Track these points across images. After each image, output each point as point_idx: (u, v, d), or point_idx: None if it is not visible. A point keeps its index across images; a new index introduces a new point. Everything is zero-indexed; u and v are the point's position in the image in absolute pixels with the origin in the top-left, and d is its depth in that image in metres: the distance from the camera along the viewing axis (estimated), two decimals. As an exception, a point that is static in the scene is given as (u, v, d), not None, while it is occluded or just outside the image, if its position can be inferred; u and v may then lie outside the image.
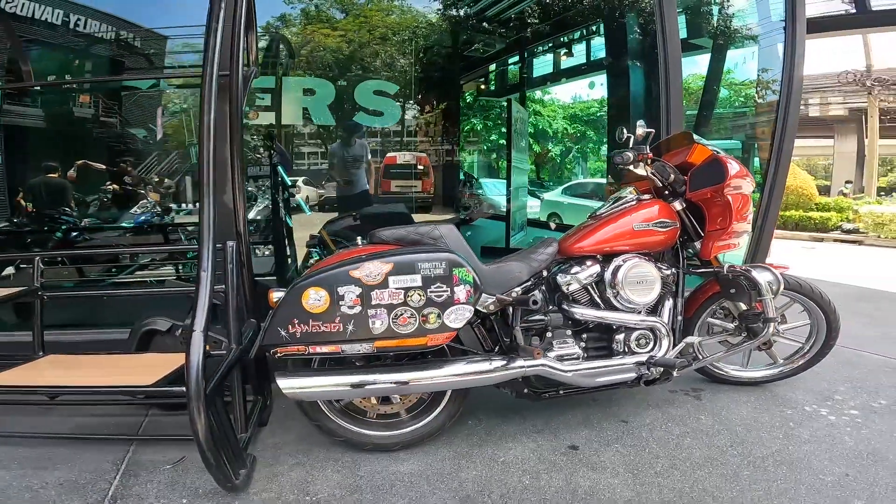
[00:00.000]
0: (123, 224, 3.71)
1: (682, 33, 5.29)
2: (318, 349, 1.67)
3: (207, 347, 1.61)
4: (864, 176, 12.03)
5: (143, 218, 3.54)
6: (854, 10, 6.88)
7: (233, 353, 1.89)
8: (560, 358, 1.99)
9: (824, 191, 13.63)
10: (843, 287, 5.11)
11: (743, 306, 2.31)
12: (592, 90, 7.39)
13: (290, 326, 1.63)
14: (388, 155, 6.55)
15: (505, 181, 10.26)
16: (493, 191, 8.77)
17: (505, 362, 1.88)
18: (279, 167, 3.36)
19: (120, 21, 4.08)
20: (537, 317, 2.03)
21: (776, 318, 2.16)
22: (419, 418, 2.01)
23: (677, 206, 2.23)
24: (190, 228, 3.69)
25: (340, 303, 1.63)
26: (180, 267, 3.47)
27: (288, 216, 3.29)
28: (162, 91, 4.92)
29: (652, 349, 2.11)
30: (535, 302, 1.68)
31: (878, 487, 1.76)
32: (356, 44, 5.91)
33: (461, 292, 1.69)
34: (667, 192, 2.25)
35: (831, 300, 2.41)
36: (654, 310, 2.17)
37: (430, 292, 1.67)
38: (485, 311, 1.93)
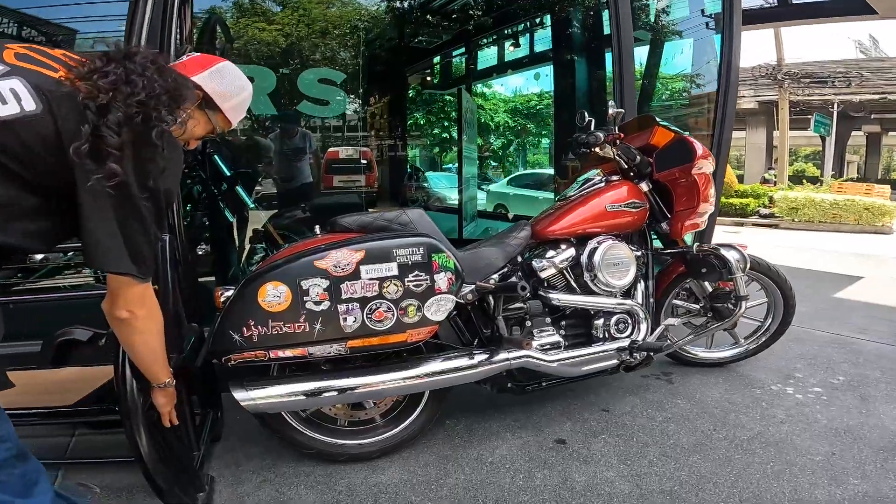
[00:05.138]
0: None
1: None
2: (281, 353, 1.40)
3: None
4: (776, 166, 13.04)
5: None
6: (775, 3, 7.26)
7: (173, 363, 1.57)
8: (542, 348, 1.83)
9: (739, 180, 14.61)
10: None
11: (709, 287, 2.28)
12: (538, 81, 7.32)
13: (244, 329, 1.35)
14: (330, 150, 6.23)
15: (451, 174, 10.17)
16: (440, 184, 8.63)
17: (488, 356, 1.69)
18: (215, 156, 2.97)
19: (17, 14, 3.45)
20: (516, 305, 1.86)
21: (747, 295, 2.12)
22: (396, 422, 1.78)
23: (644, 187, 2.17)
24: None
25: (305, 298, 1.36)
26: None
27: (227, 210, 2.92)
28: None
29: (631, 333, 2.01)
30: (523, 288, 1.50)
31: (867, 466, 1.74)
32: (294, 38, 5.54)
33: (442, 280, 1.48)
34: (631, 174, 2.18)
35: (787, 278, 2.43)
36: (627, 293, 2.08)
37: (408, 282, 1.44)
38: (462, 301, 1.73)
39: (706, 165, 2.12)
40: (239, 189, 2.84)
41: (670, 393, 2.30)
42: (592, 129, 2.13)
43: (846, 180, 11.79)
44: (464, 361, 1.66)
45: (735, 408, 2.15)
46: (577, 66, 5.06)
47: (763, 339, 2.52)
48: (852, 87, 11.94)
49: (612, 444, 1.89)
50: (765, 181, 11.95)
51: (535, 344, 1.76)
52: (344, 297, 1.39)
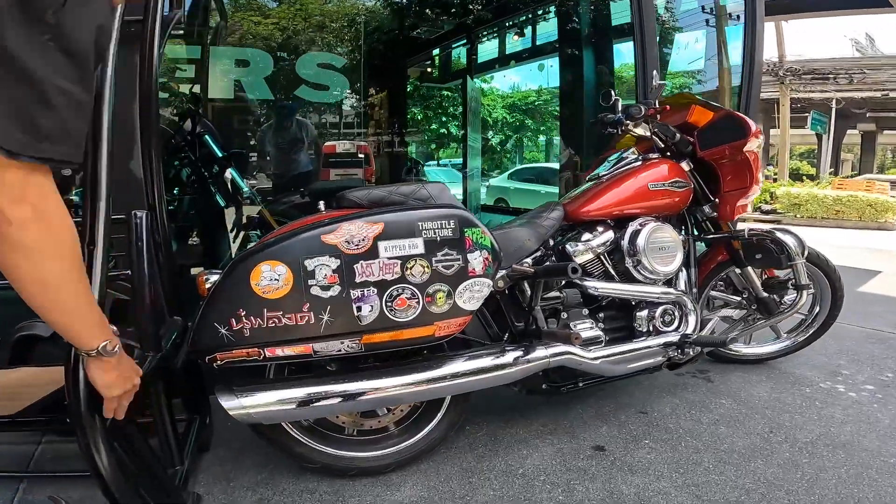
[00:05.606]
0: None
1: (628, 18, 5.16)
2: (280, 351, 1.12)
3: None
4: (774, 162, 12.88)
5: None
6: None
7: (148, 363, 1.30)
8: (583, 343, 1.57)
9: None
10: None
11: (754, 276, 2.05)
12: (542, 72, 7.07)
13: (233, 321, 1.08)
14: (327, 144, 5.99)
15: (449, 169, 9.92)
16: (438, 179, 8.39)
17: (523, 353, 1.42)
18: (206, 136, 2.68)
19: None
20: (551, 294, 1.60)
21: (810, 284, 1.88)
22: (413, 431, 1.52)
23: (685, 166, 1.94)
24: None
25: (310, 282, 1.09)
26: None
27: (219, 195, 2.63)
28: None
29: (678, 327, 1.75)
30: (574, 270, 1.23)
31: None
32: (290, 31, 5.28)
33: (477, 261, 1.21)
34: (668, 154, 1.96)
35: (836, 267, 2.20)
36: (668, 283, 1.84)
37: (437, 262, 1.17)
38: (493, 288, 1.46)
39: (756, 143, 1.90)
40: (233, 172, 2.55)
41: (711, 392, 2.06)
42: (619, 107, 1.96)
43: (847, 177, 11.66)
44: (495, 360, 1.39)
45: (787, 408, 1.93)
46: (584, 56, 4.83)
47: (807, 335, 2.29)
48: (854, 83, 11.79)
49: (659, 451, 1.65)
50: (765, 177, 11.76)
51: (584, 338, 1.49)
52: (358, 280, 1.12)
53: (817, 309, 2.26)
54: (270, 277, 1.07)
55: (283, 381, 1.28)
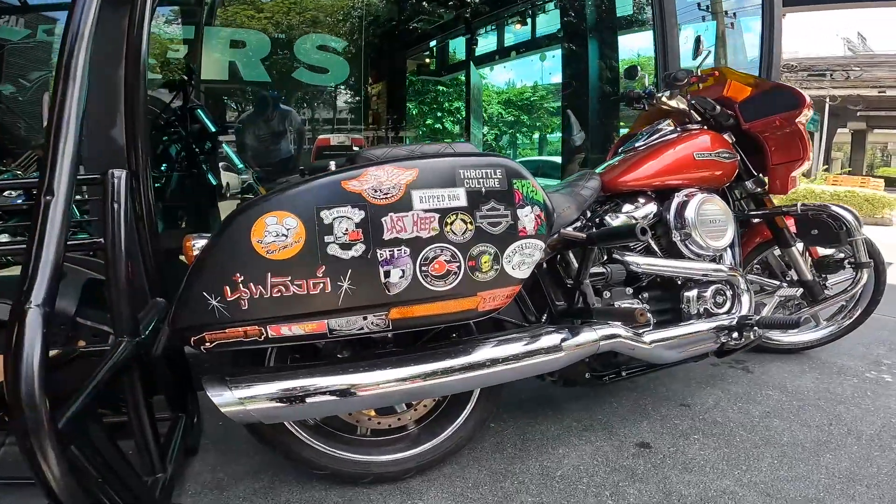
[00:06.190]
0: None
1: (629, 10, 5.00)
2: (286, 330, 0.88)
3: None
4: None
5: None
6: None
7: (122, 350, 1.05)
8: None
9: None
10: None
11: (807, 255, 1.86)
12: (543, 62, 6.88)
13: (227, 289, 0.83)
14: (321, 137, 5.75)
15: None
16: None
17: (569, 335, 1.19)
18: (198, 111, 2.44)
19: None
20: (594, 270, 1.38)
21: (870, 261, 1.69)
22: (436, 429, 1.29)
23: (727, 138, 1.79)
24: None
25: (327, 238, 0.85)
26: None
27: (210, 173, 2.38)
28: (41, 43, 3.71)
29: (730, 309, 1.55)
30: (643, 231, 0.99)
31: None
32: (284, 27, 5.06)
33: (528, 218, 0.98)
34: (706, 128, 1.80)
35: (880, 250, 2.03)
36: (714, 261, 1.65)
37: (482, 218, 0.94)
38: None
39: (808, 115, 1.75)
40: (226, 147, 2.30)
41: (755, 383, 1.87)
42: (647, 81, 1.89)
43: (841, 173, 11.63)
44: (537, 343, 1.16)
45: (840, 398, 1.76)
46: (590, 46, 4.67)
47: (848, 322, 2.10)
48: (850, 80, 11.80)
49: (713, 447, 1.46)
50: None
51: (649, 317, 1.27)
52: (387, 237, 0.88)
53: (868, 285, 2.09)
54: (277, 232, 0.83)
55: (289, 370, 1.03)
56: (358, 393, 1.03)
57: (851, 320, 2.07)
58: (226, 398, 0.97)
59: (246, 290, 0.84)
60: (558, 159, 6.22)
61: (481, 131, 5.60)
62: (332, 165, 1.20)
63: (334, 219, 0.85)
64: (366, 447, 1.27)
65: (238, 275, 0.83)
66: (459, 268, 0.93)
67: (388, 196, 0.88)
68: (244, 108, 4.17)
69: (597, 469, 1.36)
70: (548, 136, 12.19)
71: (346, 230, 0.85)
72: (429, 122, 10.10)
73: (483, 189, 0.94)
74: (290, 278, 0.85)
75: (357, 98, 5.79)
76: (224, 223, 0.86)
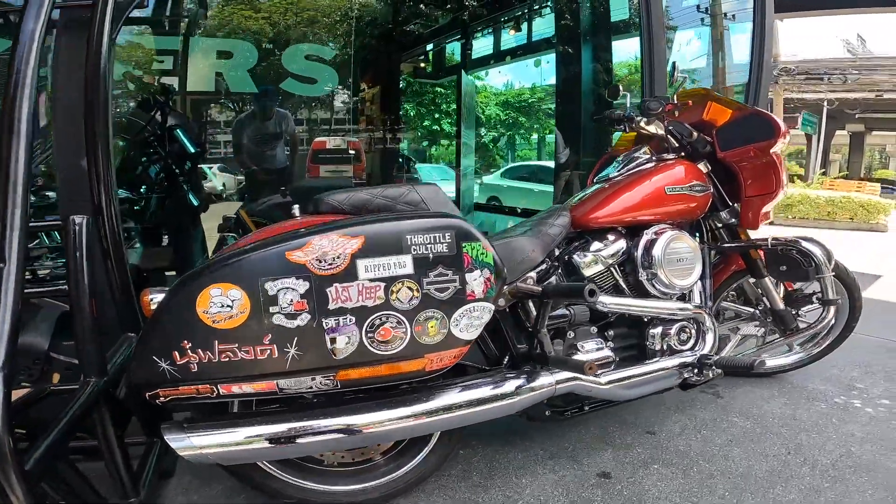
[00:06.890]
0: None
1: (625, 13, 4.91)
2: (237, 388, 0.91)
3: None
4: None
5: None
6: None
7: (89, 390, 1.08)
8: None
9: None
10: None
11: (773, 289, 1.87)
12: (538, 67, 6.78)
13: (176, 354, 0.86)
14: (317, 139, 5.71)
15: (440, 167, 9.64)
16: (431, 177, 8.17)
17: (526, 380, 1.21)
18: (177, 130, 2.42)
19: None
20: (557, 312, 1.39)
21: (837, 299, 1.68)
22: (402, 460, 1.31)
23: (702, 168, 1.77)
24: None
25: (272, 309, 0.87)
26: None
27: (191, 193, 2.38)
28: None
29: (694, 346, 1.56)
30: (591, 293, 1.01)
31: None
32: (281, 26, 4.99)
33: (477, 282, 0.99)
34: (682, 155, 1.78)
35: (856, 278, 2.02)
36: (682, 297, 1.65)
37: (429, 284, 0.95)
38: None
39: (783, 144, 1.72)
40: (206, 169, 2.30)
41: (722, 409, 1.88)
42: (628, 103, 1.82)
43: (837, 178, 11.50)
44: (495, 390, 1.19)
45: (803, 426, 1.77)
46: (583, 52, 4.59)
47: (821, 347, 2.11)
48: (848, 83, 11.62)
49: (669, 477, 1.48)
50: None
51: (579, 359, 1.28)
52: (332, 306, 0.90)
53: (833, 321, 2.09)
54: (221, 304, 0.85)
55: (248, 417, 1.06)
56: (315, 438, 1.06)
57: (821, 349, 2.07)
58: (184, 444, 1.00)
59: (195, 356, 0.86)
60: (551, 164, 6.19)
61: (473, 140, 5.55)
62: (296, 210, 1.21)
63: (279, 290, 0.87)
64: (333, 477, 1.30)
65: (186, 342, 0.85)
66: (406, 333, 0.94)
67: (333, 266, 0.89)
68: (231, 119, 4.12)
69: (556, 500, 1.38)
70: (546, 137, 12.09)
71: (291, 301, 0.87)
72: (426, 123, 10.04)
73: (430, 255, 0.95)
74: (237, 345, 0.87)
75: (353, 99, 5.76)
76: (172, 290, 0.88)
